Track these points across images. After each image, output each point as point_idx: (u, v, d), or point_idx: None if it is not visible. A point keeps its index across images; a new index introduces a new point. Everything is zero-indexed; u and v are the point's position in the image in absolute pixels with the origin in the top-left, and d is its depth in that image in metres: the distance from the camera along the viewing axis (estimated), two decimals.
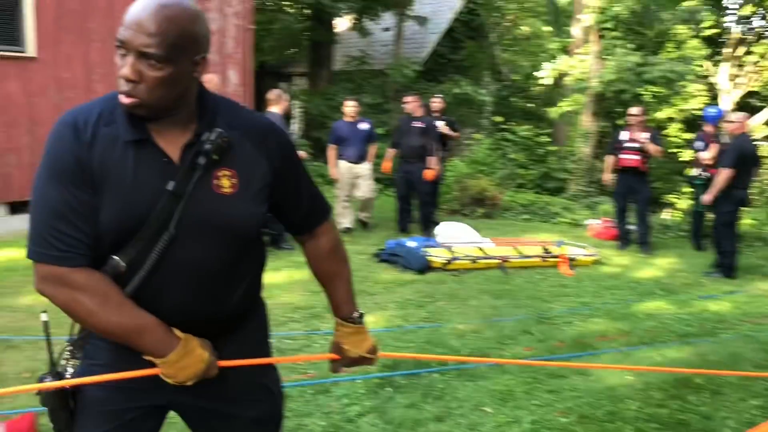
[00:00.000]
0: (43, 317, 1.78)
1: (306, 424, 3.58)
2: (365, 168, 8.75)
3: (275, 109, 7.70)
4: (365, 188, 8.82)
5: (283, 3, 17.15)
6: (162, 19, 1.47)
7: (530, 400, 3.96)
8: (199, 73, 1.60)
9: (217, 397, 1.76)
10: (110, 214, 1.53)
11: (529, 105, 20.75)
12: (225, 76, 9.85)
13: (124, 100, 1.55)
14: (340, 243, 1.95)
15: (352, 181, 8.76)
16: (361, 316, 1.91)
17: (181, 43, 1.50)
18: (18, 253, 6.91)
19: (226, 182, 1.60)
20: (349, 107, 8.81)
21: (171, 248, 1.56)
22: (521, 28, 21.17)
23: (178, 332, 1.60)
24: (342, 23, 18.19)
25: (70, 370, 1.74)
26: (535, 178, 13.48)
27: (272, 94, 7.81)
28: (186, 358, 1.57)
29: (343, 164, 8.75)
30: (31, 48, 7.74)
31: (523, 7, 21.47)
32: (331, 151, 8.82)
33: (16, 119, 7.72)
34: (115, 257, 1.56)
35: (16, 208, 7.92)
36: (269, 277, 6.41)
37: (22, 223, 7.91)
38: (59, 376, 1.71)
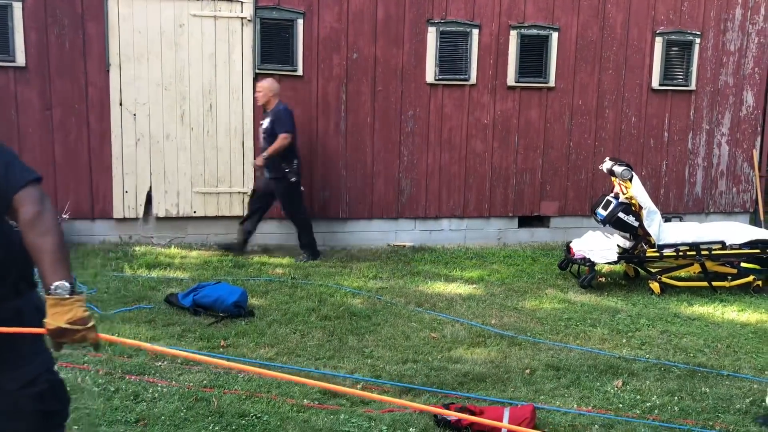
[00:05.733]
0: None
1: None
2: None
3: None
4: None
5: None
6: None
7: None
8: None
9: None
10: None
11: None
12: (739, 99, 9.20)
13: None
14: (41, 215, 1.98)
15: None
16: (63, 288, 1.90)
17: None
18: (524, 261, 7.77)
19: None
20: None
21: None
22: None
23: None
24: None
25: None
26: None
27: None
28: None
29: None
30: (551, 78, 8.60)
31: None
32: None
33: (534, 143, 8.68)
34: None
35: (523, 221, 8.92)
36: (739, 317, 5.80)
37: (528, 235, 8.86)
38: None
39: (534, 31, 8.45)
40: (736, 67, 9.15)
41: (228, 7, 7.58)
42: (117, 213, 7.66)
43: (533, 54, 8.51)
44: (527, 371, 4.59)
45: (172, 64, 7.52)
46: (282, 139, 7.09)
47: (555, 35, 8.51)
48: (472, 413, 3.70)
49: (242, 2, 7.60)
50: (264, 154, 7.14)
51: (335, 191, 8.18)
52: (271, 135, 7.19)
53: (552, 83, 8.61)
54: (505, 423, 3.60)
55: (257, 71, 7.75)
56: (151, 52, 7.47)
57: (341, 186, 8.19)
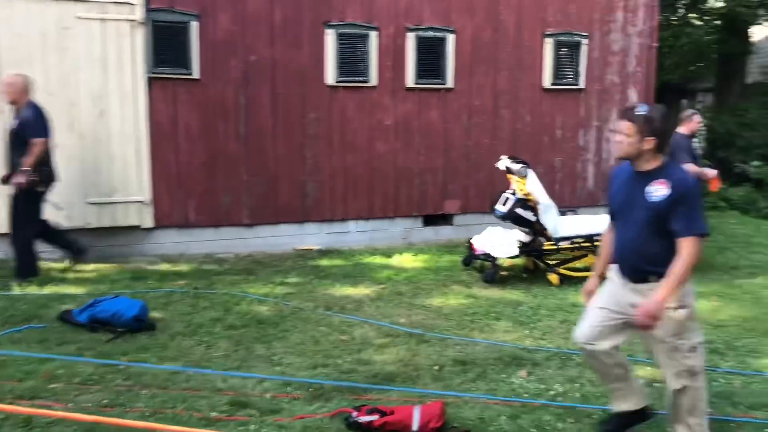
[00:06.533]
0: None
1: None
2: None
3: (681, 128, 7.46)
4: None
5: (691, 16, 16.15)
6: None
7: None
8: None
9: None
10: None
11: None
12: (625, 97, 9.73)
13: None
14: None
15: None
16: None
17: None
18: (429, 259, 7.89)
19: None
20: None
21: None
22: None
23: None
24: (760, 31, 16.34)
25: None
26: None
27: (684, 114, 7.61)
28: None
29: None
30: (449, 80, 8.78)
31: None
32: None
33: (435, 143, 8.84)
34: None
35: (428, 220, 9.06)
36: None
37: (433, 233, 9.01)
38: None
39: (431, 33, 8.61)
40: (621, 67, 9.67)
41: (116, 9, 7.27)
42: (1, 227, 7.18)
43: (431, 56, 8.66)
44: (436, 368, 4.66)
45: (58, 68, 7.13)
46: (37, 146, 6.25)
47: (451, 37, 8.69)
48: (383, 414, 3.71)
49: (132, 4, 7.30)
50: (25, 168, 6.22)
51: (237, 197, 8.02)
52: (19, 138, 6.33)
53: (450, 84, 8.79)
54: (415, 421, 3.63)
55: (151, 75, 7.48)
56: (34, 57, 7.05)
57: (243, 191, 8.03)
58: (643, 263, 3.29)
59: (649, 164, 3.26)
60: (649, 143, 3.22)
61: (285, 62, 8.04)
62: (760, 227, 10.53)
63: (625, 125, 3.25)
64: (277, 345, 5.06)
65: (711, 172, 7.44)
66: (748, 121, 13.79)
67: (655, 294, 3.16)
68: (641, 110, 3.26)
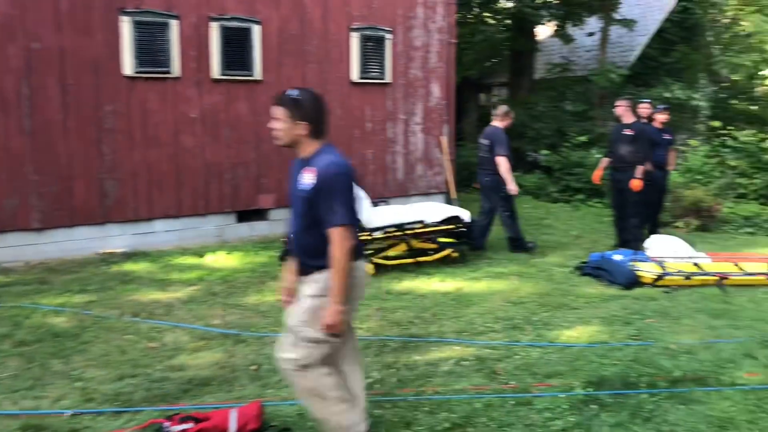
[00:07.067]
0: None
1: None
2: None
3: (497, 123, 7.96)
4: None
5: (485, 15, 17.28)
6: None
7: (754, 430, 3.62)
8: None
9: None
10: None
11: (751, 108, 18.82)
12: (428, 91, 10.17)
13: None
14: None
15: None
16: None
17: None
18: (244, 256, 7.69)
19: None
20: None
21: None
22: (741, 24, 19.31)
23: None
24: (544, 31, 17.93)
25: None
26: (759, 188, 12.17)
27: (499, 110, 8.07)
28: None
29: None
30: (257, 71, 8.60)
31: (744, 1, 19.57)
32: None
33: (245, 136, 8.61)
34: None
35: (243, 216, 8.83)
36: (468, 286, 6.51)
37: (249, 230, 8.79)
38: None
39: (235, 24, 8.36)
40: (423, 62, 10.08)
41: None
42: None
43: (237, 47, 8.42)
44: (253, 367, 4.53)
45: None
46: None
47: (257, 28, 8.51)
48: (198, 421, 3.52)
49: None
50: None
51: (24, 198, 7.24)
52: None
53: (258, 76, 8.62)
54: (232, 424, 3.49)
55: None
56: None
57: (31, 192, 7.27)
58: (304, 256, 3.15)
59: (306, 151, 3.14)
60: (302, 128, 3.10)
61: (75, 51, 7.37)
62: (550, 210, 11.55)
63: (278, 110, 3.10)
64: (78, 358, 4.64)
65: (513, 188, 7.88)
66: (537, 113, 15.07)
67: (330, 305, 3.02)
68: (290, 94, 3.12)
